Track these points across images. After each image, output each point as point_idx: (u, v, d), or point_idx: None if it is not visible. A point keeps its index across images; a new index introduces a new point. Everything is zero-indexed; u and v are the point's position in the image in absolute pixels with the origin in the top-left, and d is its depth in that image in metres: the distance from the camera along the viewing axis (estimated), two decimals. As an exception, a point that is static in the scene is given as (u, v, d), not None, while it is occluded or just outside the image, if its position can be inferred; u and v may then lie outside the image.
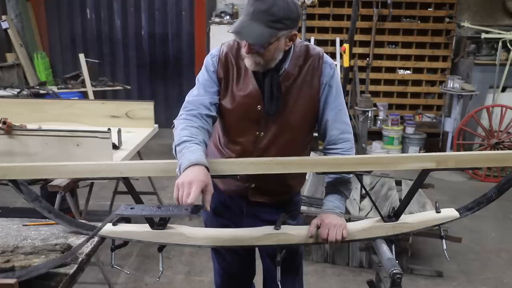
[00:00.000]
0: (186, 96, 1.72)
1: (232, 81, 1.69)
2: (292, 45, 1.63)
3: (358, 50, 6.14)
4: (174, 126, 1.64)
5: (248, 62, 1.59)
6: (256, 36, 1.49)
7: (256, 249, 1.99)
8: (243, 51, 1.57)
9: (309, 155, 1.88)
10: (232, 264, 2.00)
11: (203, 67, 1.74)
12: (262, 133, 1.70)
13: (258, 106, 1.66)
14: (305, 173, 1.97)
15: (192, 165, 1.40)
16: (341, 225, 1.64)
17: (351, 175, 1.74)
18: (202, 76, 1.72)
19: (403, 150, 5.99)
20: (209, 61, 1.72)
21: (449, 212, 1.72)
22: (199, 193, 1.34)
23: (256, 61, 1.56)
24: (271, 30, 1.48)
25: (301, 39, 5.22)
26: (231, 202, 1.86)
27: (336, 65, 6.13)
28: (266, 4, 1.46)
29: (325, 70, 1.69)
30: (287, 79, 1.65)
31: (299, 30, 5.25)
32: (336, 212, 1.69)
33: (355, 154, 1.76)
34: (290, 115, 1.68)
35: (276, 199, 1.83)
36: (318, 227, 1.64)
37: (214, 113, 1.68)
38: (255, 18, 1.47)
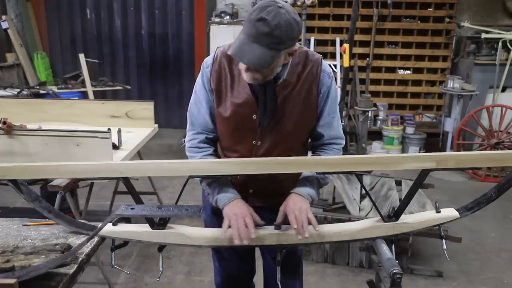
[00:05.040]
0: (188, 111, 1.77)
1: (226, 89, 1.67)
2: None
3: (358, 50, 6.13)
4: (184, 145, 1.81)
5: (246, 77, 1.55)
6: (258, 60, 1.43)
7: (257, 248, 2.00)
8: (241, 65, 1.54)
9: None
10: (232, 264, 2.00)
11: (198, 77, 1.73)
12: (259, 142, 1.69)
13: (254, 116, 1.65)
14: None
15: (233, 200, 1.65)
16: (305, 209, 1.60)
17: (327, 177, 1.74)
18: (199, 90, 1.73)
19: (403, 150, 5.98)
20: (203, 73, 1.71)
21: (449, 212, 1.72)
22: (252, 223, 1.57)
23: (255, 77, 1.53)
24: (273, 51, 1.44)
25: (301, 39, 5.26)
26: None
27: (335, 65, 6.05)
28: (269, 26, 1.40)
29: (324, 79, 1.67)
30: (285, 88, 1.63)
31: (299, 30, 5.26)
32: (301, 194, 1.65)
33: (355, 154, 1.77)
34: (288, 124, 1.66)
35: (276, 201, 1.82)
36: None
37: (217, 133, 1.77)
38: (257, 40, 1.41)
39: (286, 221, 1.68)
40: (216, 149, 1.80)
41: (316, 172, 1.69)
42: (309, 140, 1.84)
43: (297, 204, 1.62)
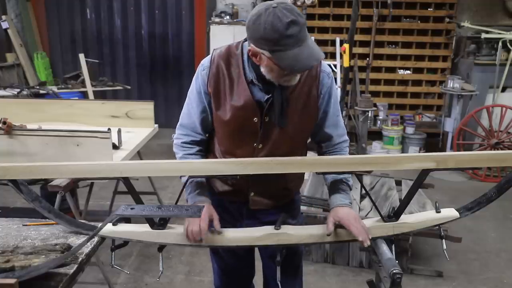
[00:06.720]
0: (181, 115, 1.77)
1: (225, 93, 1.64)
2: None
3: (358, 50, 6.14)
4: (173, 141, 1.80)
5: (284, 81, 1.53)
6: (317, 51, 1.45)
7: (256, 249, 1.99)
8: (280, 73, 1.50)
9: None
10: (231, 265, 1.99)
11: (194, 79, 1.71)
12: (260, 144, 1.67)
13: (255, 118, 1.62)
14: (303, 174, 1.97)
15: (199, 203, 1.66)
16: (358, 217, 1.64)
17: (350, 176, 1.76)
18: (192, 93, 1.71)
19: (403, 150, 5.98)
20: (199, 75, 1.68)
21: (449, 212, 1.72)
22: (206, 227, 1.58)
23: (296, 78, 1.55)
24: (310, 37, 1.46)
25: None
26: (230, 206, 1.85)
27: (335, 65, 6.05)
28: (298, 24, 1.39)
29: (323, 80, 1.66)
30: (286, 90, 1.61)
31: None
32: (347, 204, 1.69)
33: (355, 154, 1.78)
34: (289, 126, 1.64)
35: (277, 203, 1.82)
36: (336, 225, 1.64)
37: (205, 136, 1.78)
38: (300, 40, 1.41)
39: (286, 222, 1.69)
40: (203, 148, 1.79)
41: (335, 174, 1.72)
42: (318, 143, 1.83)
43: (350, 214, 1.65)
